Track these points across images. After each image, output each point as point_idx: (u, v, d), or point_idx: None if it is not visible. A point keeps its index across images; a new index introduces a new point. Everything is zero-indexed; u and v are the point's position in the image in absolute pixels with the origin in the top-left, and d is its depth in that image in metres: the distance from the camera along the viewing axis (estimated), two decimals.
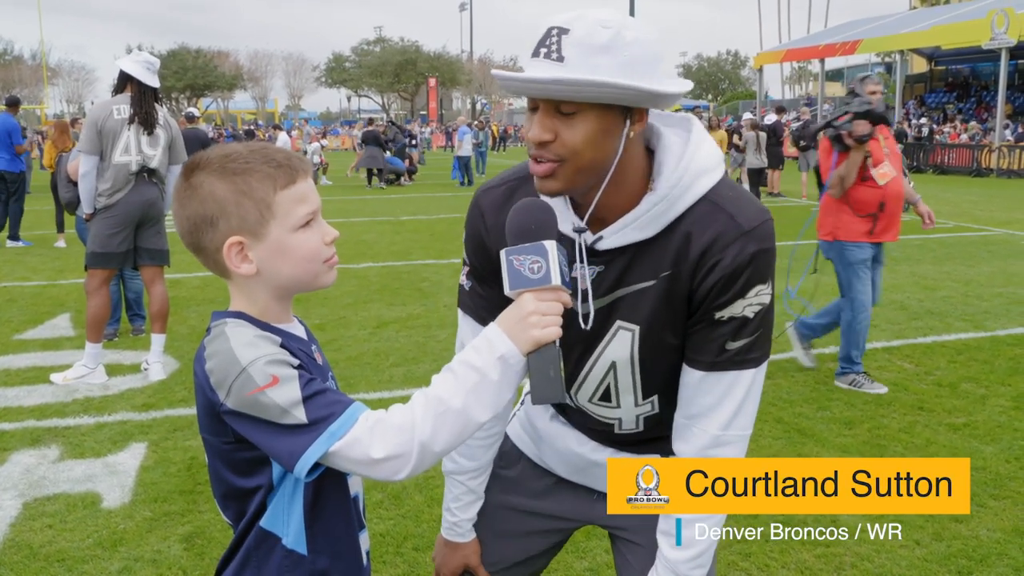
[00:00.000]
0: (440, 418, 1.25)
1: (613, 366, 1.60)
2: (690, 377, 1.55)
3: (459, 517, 1.83)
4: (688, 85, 1.42)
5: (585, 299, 1.53)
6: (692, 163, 1.45)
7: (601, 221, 1.49)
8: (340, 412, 1.24)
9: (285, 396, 1.23)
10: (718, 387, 1.52)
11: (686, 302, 1.50)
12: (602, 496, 1.83)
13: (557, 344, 1.31)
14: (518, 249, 1.32)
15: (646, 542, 1.74)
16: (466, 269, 1.70)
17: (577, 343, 1.59)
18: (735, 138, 19.01)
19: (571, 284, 1.40)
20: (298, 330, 1.43)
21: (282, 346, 1.30)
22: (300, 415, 1.23)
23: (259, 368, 1.24)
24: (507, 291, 1.32)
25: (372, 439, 1.24)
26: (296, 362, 1.28)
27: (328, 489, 1.37)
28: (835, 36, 37.85)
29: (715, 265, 1.44)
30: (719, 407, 1.53)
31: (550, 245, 1.31)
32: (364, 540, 1.49)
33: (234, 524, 1.39)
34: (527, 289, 1.31)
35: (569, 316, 1.55)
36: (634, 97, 1.34)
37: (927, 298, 7.80)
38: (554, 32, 1.33)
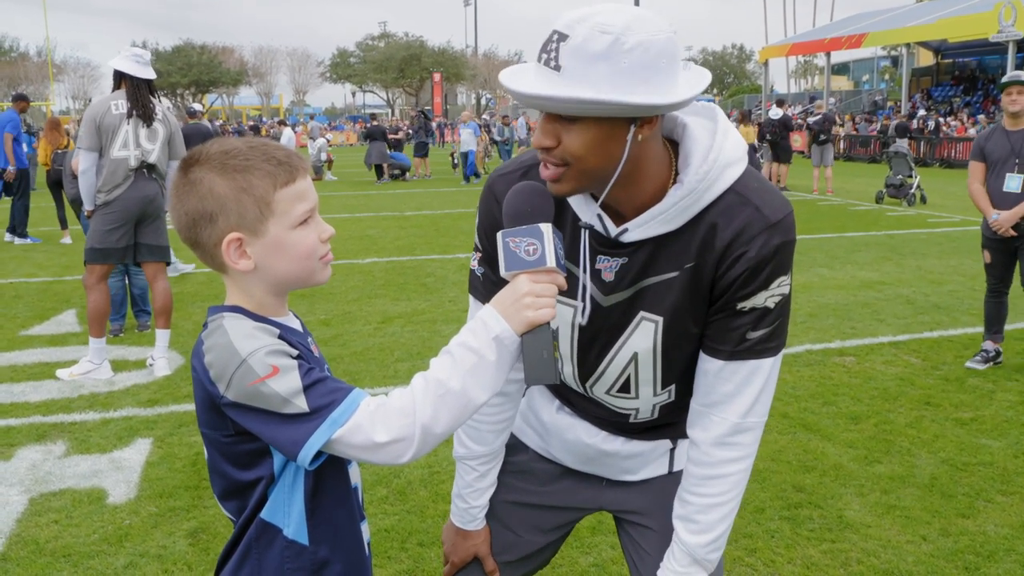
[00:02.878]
0: (440, 400, 1.26)
1: (635, 357, 1.60)
2: (710, 365, 1.55)
3: (470, 504, 1.82)
4: (702, 85, 1.37)
5: (612, 291, 1.54)
6: (720, 155, 1.44)
7: (622, 215, 1.49)
8: (341, 399, 1.25)
9: (286, 385, 1.23)
10: (738, 375, 1.53)
11: (708, 292, 1.51)
12: (611, 483, 1.83)
13: (551, 326, 1.32)
14: (514, 231, 1.33)
15: (659, 526, 1.75)
16: (478, 255, 1.70)
17: (599, 335, 1.60)
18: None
19: (566, 268, 1.41)
20: (294, 323, 1.44)
21: (280, 337, 1.30)
22: (302, 404, 1.23)
23: (259, 359, 1.24)
24: (503, 272, 1.34)
25: (374, 424, 1.24)
26: (295, 352, 1.29)
27: (328, 479, 1.38)
28: (841, 29, 37.69)
29: (740, 256, 1.45)
30: (739, 395, 1.54)
31: (546, 228, 1.33)
32: (365, 531, 1.50)
33: (235, 518, 1.39)
34: (522, 271, 1.32)
35: (592, 308, 1.56)
36: (630, 110, 1.31)
37: (933, 292, 7.77)
38: (555, 37, 1.31)
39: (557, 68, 1.30)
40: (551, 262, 1.31)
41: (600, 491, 1.85)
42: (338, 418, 1.23)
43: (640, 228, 1.47)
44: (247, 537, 1.36)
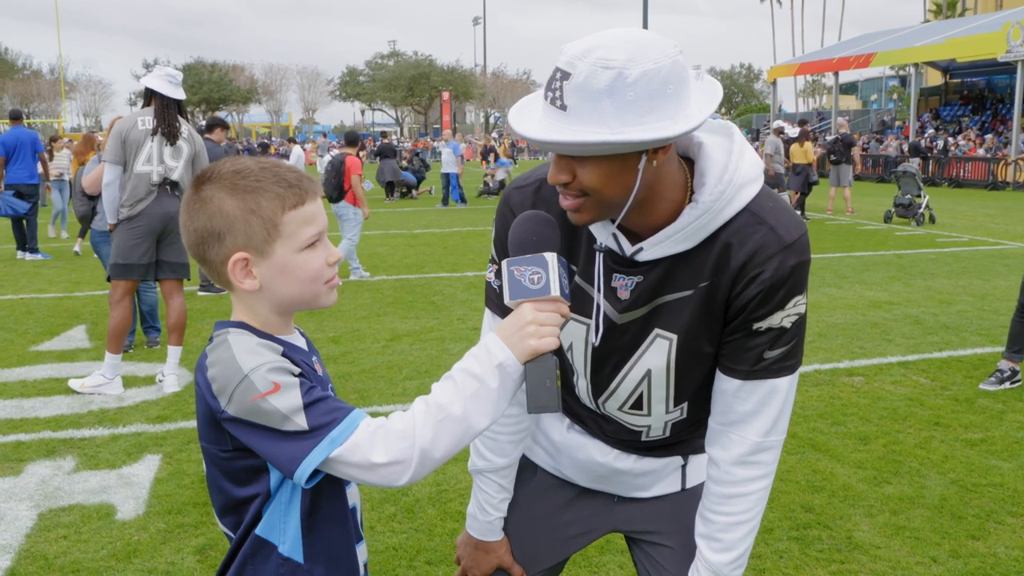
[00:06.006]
0: (440, 424, 1.27)
1: (648, 374, 1.60)
2: (727, 385, 1.56)
3: (493, 516, 1.82)
4: (713, 104, 1.36)
5: (627, 309, 1.55)
6: (736, 175, 1.44)
7: (637, 234, 1.50)
8: (341, 418, 1.26)
9: (287, 402, 1.24)
10: (755, 395, 1.53)
11: (723, 312, 1.51)
12: (623, 500, 1.83)
13: (554, 355, 1.33)
14: (519, 260, 1.34)
15: (677, 544, 1.75)
16: (494, 268, 1.70)
17: (614, 352, 1.60)
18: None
19: (571, 296, 1.42)
20: (299, 341, 1.45)
21: (283, 355, 1.32)
22: (301, 421, 1.24)
23: (261, 375, 1.25)
24: (507, 300, 1.35)
25: (373, 445, 1.25)
26: (297, 370, 1.30)
27: (326, 498, 1.39)
28: (849, 49, 37.75)
29: (755, 277, 1.45)
30: (758, 415, 1.54)
31: (551, 257, 1.34)
32: (362, 552, 1.50)
33: (231, 533, 1.39)
34: (527, 299, 1.33)
35: (606, 327, 1.57)
36: (640, 145, 1.30)
37: (942, 312, 7.75)
38: (558, 75, 1.30)
39: (563, 108, 1.30)
40: (555, 291, 1.32)
41: (612, 509, 1.84)
42: (337, 437, 1.24)
43: (655, 247, 1.48)
44: (242, 553, 1.37)
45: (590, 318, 1.59)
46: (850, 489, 3.94)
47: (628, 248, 1.50)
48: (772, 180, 15.82)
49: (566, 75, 1.29)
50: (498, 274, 1.68)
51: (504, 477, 1.80)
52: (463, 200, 20.47)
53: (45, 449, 4.51)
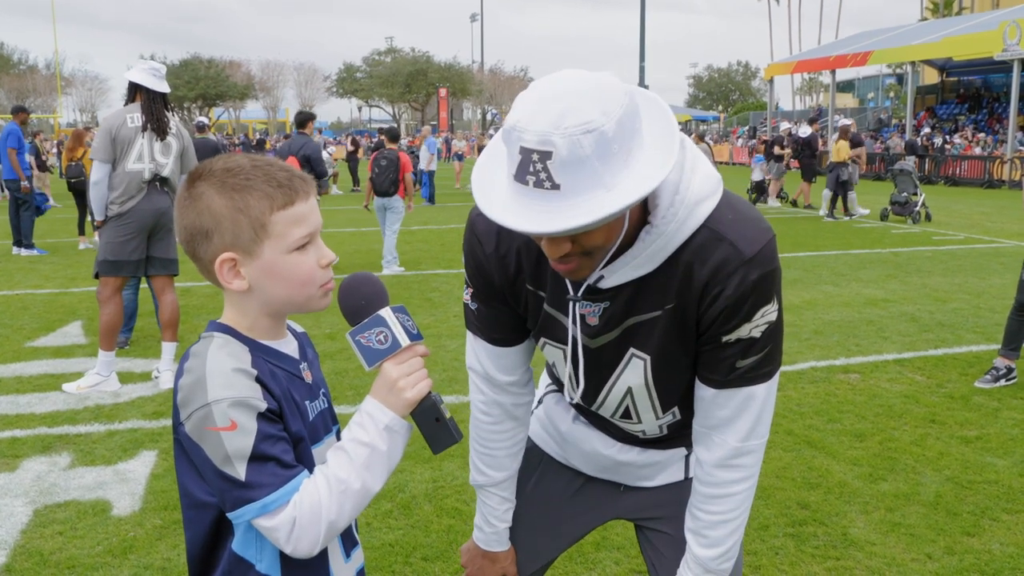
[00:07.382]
0: (343, 496, 1.31)
1: (629, 391, 1.63)
2: (704, 392, 1.57)
3: (499, 527, 1.85)
4: (671, 125, 1.33)
5: (598, 334, 1.56)
6: (688, 193, 1.40)
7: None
8: (277, 486, 1.26)
9: (234, 445, 1.24)
10: (732, 402, 1.55)
11: (695, 327, 1.51)
12: (629, 488, 1.86)
13: (432, 395, 1.36)
14: (360, 328, 1.36)
15: (675, 531, 1.78)
16: (470, 291, 1.69)
17: (593, 373, 1.62)
18: (776, 148, 18.56)
19: (543, 324, 1.46)
20: (289, 346, 1.43)
21: (258, 380, 1.29)
22: (240, 471, 1.25)
23: (222, 409, 1.25)
24: (367, 369, 1.37)
25: (289, 538, 1.27)
26: (264, 405, 1.28)
27: None
28: (846, 47, 37.75)
29: (719, 295, 1.44)
30: (736, 420, 1.55)
31: (386, 313, 1.36)
32: (357, 557, 1.51)
33: (188, 532, 1.37)
34: (383, 360, 1.35)
35: (585, 350, 1.58)
36: (637, 201, 1.26)
37: (938, 310, 7.76)
38: (535, 156, 1.22)
39: (556, 187, 1.24)
40: (404, 341, 1.35)
41: (618, 498, 1.88)
42: (269, 504, 1.26)
43: (615, 274, 1.46)
44: (220, 570, 1.35)
45: (564, 344, 1.60)
46: (846, 486, 3.95)
47: (591, 276, 1.48)
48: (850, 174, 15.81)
49: (546, 154, 1.22)
50: (473, 296, 1.69)
51: (505, 489, 1.84)
52: (431, 199, 20.17)
53: (41, 445, 4.50)
